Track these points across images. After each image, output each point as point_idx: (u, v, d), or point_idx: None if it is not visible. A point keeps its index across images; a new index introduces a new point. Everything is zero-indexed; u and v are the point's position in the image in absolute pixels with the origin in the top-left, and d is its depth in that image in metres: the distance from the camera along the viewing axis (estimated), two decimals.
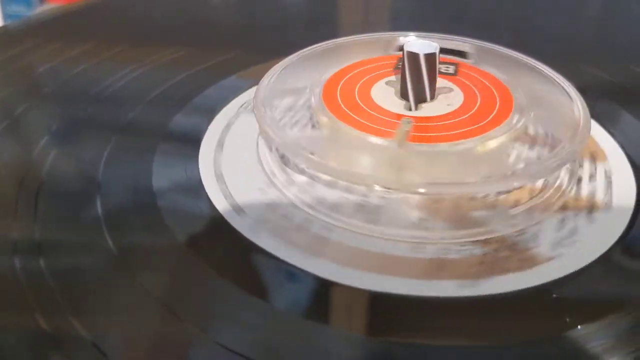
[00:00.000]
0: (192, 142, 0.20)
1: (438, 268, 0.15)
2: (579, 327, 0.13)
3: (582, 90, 0.19)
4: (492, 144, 0.18)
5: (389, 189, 0.17)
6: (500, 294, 0.14)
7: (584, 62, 0.25)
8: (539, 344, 0.13)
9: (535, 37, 0.29)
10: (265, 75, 0.20)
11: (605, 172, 0.19)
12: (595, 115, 0.20)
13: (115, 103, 0.22)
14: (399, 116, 0.18)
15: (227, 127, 0.20)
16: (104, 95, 0.23)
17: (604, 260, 0.16)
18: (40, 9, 0.75)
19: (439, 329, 0.14)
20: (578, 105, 0.19)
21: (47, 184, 0.18)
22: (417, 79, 0.18)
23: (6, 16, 0.76)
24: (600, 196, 0.18)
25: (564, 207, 0.17)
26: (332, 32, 0.25)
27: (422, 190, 0.16)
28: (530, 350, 0.13)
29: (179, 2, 0.33)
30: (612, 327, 0.14)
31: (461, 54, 0.21)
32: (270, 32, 0.29)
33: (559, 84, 0.20)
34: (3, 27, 0.29)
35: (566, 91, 0.19)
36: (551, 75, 0.20)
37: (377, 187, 0.17)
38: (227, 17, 0.32)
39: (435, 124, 0.18)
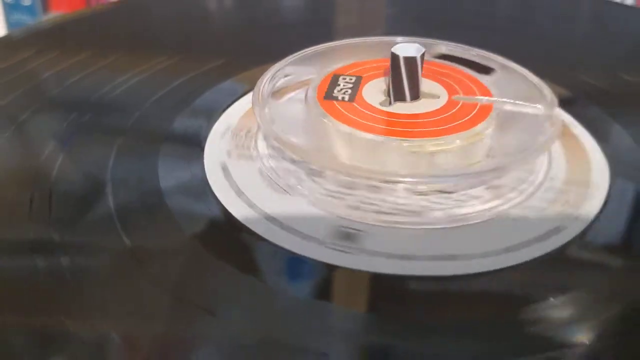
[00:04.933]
0: (194, 142, 0.21)
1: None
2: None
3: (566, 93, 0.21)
4: (477, 136, 0.19)
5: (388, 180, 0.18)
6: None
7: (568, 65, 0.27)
8: None
9: (520, 41, 0.30)
10: (263, 75, 0.22)
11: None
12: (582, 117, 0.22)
13: (116, 107, 0.24)
14: (380, 111, 0.20)
15: (228, 129, 0.22)
16: (105, 100, 0.24)
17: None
18: (44, 18, 0.77)
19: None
20: (540, 85, 0.20)
21: (56, 186, 0.19)
22: (407, 78, 0.19)
23: (10, 24, 0.78)
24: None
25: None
26: (332, 34, 0.27)
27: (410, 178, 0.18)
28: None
29: (178, 10, 0.35)
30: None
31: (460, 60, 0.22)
32: (266, 36, 0.31)
33: (513, 68, 0.21)
34: (7, 35, 0.31)
35: (522, 72, 0.21)
36: (524, 72, 0.22)
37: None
38: (222, 23, 0.34)
39: (424, 120, 0.20)
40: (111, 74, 0.26)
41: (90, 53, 0.28)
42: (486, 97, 0.20)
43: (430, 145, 0.18)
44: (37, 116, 0.23)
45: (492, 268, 0.16)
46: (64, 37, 0.30)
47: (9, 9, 0.77)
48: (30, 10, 0.77)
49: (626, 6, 0.48)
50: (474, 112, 0.20)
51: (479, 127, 0.19)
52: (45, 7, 0.77)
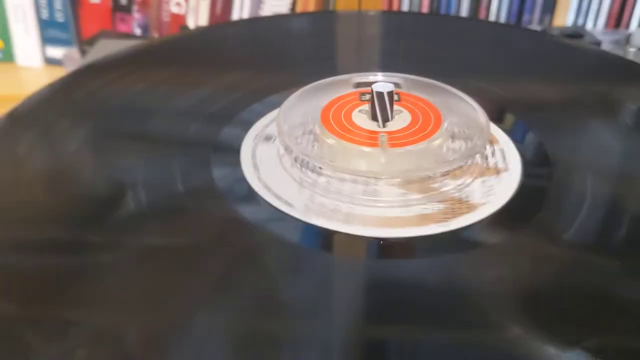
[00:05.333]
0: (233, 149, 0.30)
1: (423, 220, 0.26)
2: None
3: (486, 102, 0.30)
4: (436, 143, 0.28)
5: (376, 177, 0.27)
6: (464, 227, 0.25)
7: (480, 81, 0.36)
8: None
9: (450, 68, 0.39)
10: (285, 102, 0.31)
11: (501, 150, 0.29)
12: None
13: (182, 120, 0.33)
14: (372, 132, 0.29)
15: (259, 136, 0.31)
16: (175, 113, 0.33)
17: (513, 199, 0.26)
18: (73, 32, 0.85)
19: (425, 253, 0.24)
20: (480, 113, 0.29)
21: (143, 188, 0.27)
22: (382, 107, 0.28)
23: (45, 40, 0.87)
24: (501, 165, 0.28)
25: (482, 173, 0.28)
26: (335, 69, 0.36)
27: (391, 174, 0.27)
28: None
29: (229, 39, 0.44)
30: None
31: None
32: (291, 65, 0.40)
33: (466, 100, 0.30)
34: (91, 63, 0.40)
35: (472, 105, 0.30)
36: (461, 95, 0.31)
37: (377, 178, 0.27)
38: (262, 52, 0.43)
39: (399, 134, 0.28)
40: (177, 92, 0.35)
41: (161, 76, 0.37)
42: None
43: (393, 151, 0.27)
44: (114, 130, 0.32)
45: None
46: (137, 62, 0.39)
47: (44, 25, 0.86)
48: (64, 26, 0.86)
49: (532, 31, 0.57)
50: (429, 128, 0.29)
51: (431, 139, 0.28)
52: (77, 25, 0.86)
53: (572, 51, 0.43)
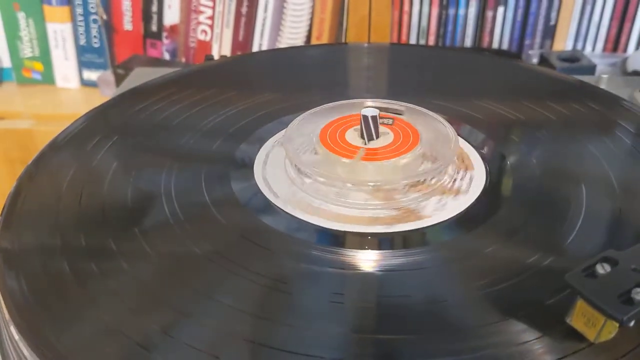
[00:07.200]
0: (247, 161, 0.37)
1: (372, 221, 0.32)
2: None
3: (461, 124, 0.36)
4: (403, 161, 0.34)
5: (353, 184, 0.33)
6: (405, 231, 0.31)
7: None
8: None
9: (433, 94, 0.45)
10: (291, 123, 0.37)
11: (470, 176, 0.35)
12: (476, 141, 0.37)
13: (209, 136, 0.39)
14: (356, 147, 0.35)
15: (269, 151, 0.37)
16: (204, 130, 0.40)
17: (454, 219, 0.32)
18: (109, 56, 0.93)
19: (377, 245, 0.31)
20: (451, 134, 0.35)
21: (178, 195, 0.34)
22: (367, 127, 0.35)
23: (82, 63, 0.94)
24: (464, 188, 0.34)
25: (442, 192, 0.34)
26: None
27: (370, 184, 0.33)
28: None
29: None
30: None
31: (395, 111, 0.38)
32: (302, 88, 0.47)
33: (440, 122, 0.36)
34: (137, 87, 0.46)
35: (445, 125, 0.36)
36: (437, 117, 0.37)
37: (348, 184, 0.33)
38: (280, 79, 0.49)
39: (377, 151, 0.35)
40: (208, 113, 0.42)
41: (196, 97, 0.44)
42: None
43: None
44: (151, 145, 0.39)
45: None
46: (181, 85, 0.46)
47: (81, 50, 0.94)
48: (99, 51, 0.93)
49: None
50: (404, 149, 0.35)
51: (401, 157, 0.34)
52: (111, 50, 0.93)
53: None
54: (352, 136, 0.36)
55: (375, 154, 0.34)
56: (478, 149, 0.38)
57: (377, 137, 0.35)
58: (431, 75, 0.50)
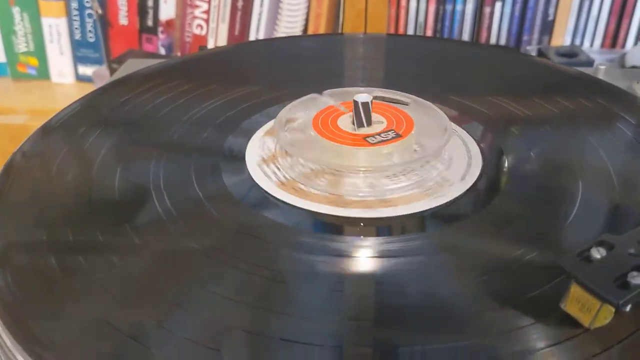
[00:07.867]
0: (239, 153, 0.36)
1: (354, 203, 0.31)
2: None
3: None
4: (386, 150, 0.34)
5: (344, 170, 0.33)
6: (374, 217, 0.30)
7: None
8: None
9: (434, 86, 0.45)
10: (283, 109, 0.36)
11: (466, 166, 0.35)
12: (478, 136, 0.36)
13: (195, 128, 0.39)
14: (349, 134, 0.34)
15: (259, 138, 0.37)
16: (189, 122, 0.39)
17: (454, 204, 0.31)
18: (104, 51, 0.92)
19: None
20: (446, 124, 0.35)
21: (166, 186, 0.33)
22: (357, 114, 0.34)
23: (77, 58, 0.94)
24: (457, 178, 0.34)
25: (435, 181, 0.33)
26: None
27: (361, 169, 0.32)
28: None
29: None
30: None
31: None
32: (295, 79, 0.46)
33: (436, 110, 0.36)
34: (124, 77, 0.46)
35: (439, 114, 0.35)
36: (432, 106, 0.36)
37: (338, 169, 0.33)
38: (268, 69, 0.49)
39: (370, 136, 0.34)
40: (192, 105, 0.41)
41: (182, 88, 0.43)
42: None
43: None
44: (132, 136, 0.38)
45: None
46: (170, 75, 0.45)
47: (77, 45, 0.93)
48: (94, 46, 0.93)
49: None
50: (401, 131, 0.34)
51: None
52: (107, 45, 0.93)
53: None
54: (345, 122, 0.35)
55: (367, 140, 0.34)
56: (474, 138, 0.37)
57: (369, 124, 0.34)
58: (430, 67, 0.49)
